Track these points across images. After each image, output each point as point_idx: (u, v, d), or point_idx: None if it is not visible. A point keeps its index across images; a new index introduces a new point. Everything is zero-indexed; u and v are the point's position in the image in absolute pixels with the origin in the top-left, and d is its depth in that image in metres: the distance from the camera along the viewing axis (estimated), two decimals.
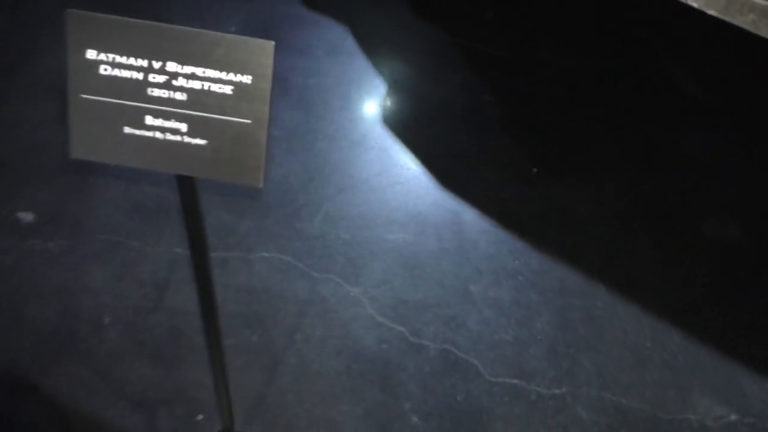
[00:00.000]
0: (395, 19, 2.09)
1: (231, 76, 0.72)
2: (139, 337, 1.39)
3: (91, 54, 0.72)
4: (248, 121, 0.73)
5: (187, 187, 0.77)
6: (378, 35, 2.06)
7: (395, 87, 1.93)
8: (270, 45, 0.70)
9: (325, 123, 1.77)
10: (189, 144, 0.75)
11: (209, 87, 0.72)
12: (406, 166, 1.77)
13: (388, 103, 1.88)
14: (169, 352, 1.38)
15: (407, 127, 1.84)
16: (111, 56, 0.72)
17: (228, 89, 0.72)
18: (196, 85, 0.72)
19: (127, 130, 0.74)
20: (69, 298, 1.43)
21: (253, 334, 1.44)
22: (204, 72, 0.72)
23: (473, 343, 1.47)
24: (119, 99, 0.73)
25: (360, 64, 2.00)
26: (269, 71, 0.71)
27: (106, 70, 0.73)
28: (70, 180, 1.66)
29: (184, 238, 1.56)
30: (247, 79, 0.72)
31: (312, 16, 2.05)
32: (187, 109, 0.73)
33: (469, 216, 1.70)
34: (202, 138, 0.74)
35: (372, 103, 1.89)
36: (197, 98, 0.72)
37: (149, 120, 0.74)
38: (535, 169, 1.75)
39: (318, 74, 1.88)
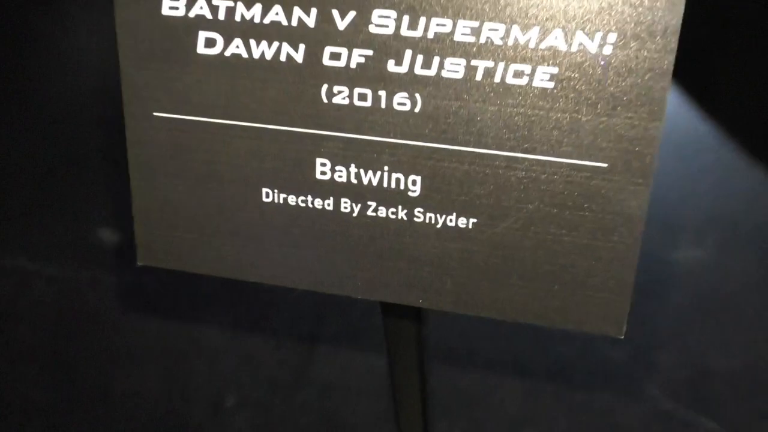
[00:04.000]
0: None
1: (555, 40, 0.30)
2: (277, 429, 1.12)
3: (173, 4, 0.33)
4: (600, 165, 0.31)
5: (405, 332, 0.38)
6: None
7: None
8: None
9: None
10: (426, 229, 0.35)
11: (490, 72, 0.31)
12: (696, 130, 1.38)
13: None
14: None
15: None
16: (223, 6, 0.32)
17: (542, 76, 0.31)
18: (451, 69, 0.32)
19: (268, 195, 0.35)
20: (176, 367, 1.18)
21: (455, 427, 1.12)
22: (475, 32, 0.31)
23: None
24: (247, 119, 0.34)
25: None
26: (677, 13, 0.28)
27: (212, 43, 0.33)
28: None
29: None
30: (603, 43, 0.30)
31: None
32: (424, 138, 0.33)
33: None
34: (465, 213, 0.34)
35: None
36: (455, 105, 0.32)
37: (323, 169, 0.34)
38: None
39: None
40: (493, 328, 1.20)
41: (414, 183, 0.33)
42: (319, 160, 0.33)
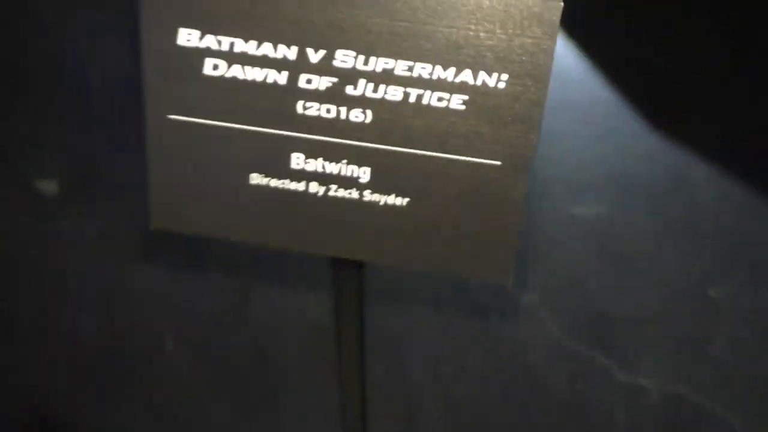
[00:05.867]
0: None
1: (465, 76, 0.46)
2: (214, 365, 1.25)
3: (186, 37, 0.47)
4: (495, 163, 0.47)
5: (350, 280, 0.53)
6: None
7: None
8: (556, 8, 0.42)
9: None
10: (372, 206, 0.50)
11: (420, 97, 0.47)
12: (600, 97, 1.46)
13: None
14: (256, 389, 1.25)
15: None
16: (226, 41, 0.47)
17: (456, 101, 0.46)
18: (392, 93, 0.47)
19: (255, 179, 0.50)
20: (114, 305, 1.28)
21: (380, 363, 1.25)
22: (410, 69, 0.46)
23: (721, 384, 1.24)
24: (241, 122, 0.49)
25: None
26: (546, 66, 0.44)
27: (216, 67, 0.48)
28: (106, 129, 1.44)
29: None
30: (498, 81, 0.45)
31: None
32: (372, 141, 0.48)
33: (702, 174, 1.39)
34: (400, 194, 0.49)
35: None
36: (395, 119, 0.47)
37: (297, 161, 0.49)
38: None
39: None
40: (418, 276, 1.29)
41: (365, 172, 0.48)
42: (294, 155, 0.49)
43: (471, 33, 0.44)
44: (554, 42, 0.43)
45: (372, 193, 0.49)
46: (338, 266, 0.52)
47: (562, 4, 0.42)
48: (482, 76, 0.45)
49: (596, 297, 1.35)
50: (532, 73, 0.44)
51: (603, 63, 1.51)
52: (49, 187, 1.37)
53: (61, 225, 1.34)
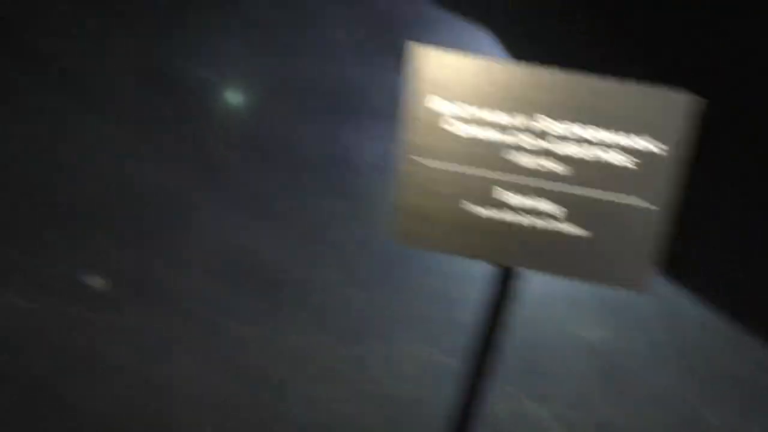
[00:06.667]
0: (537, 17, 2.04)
1: (634, 141, 0.68)
2: None
3: (434, 102, 0.69)
4: (650, 207, 0.69)
5: (509, 281, 0.73)
6: (517, 30, 2.00)
7: None
8: (688, 101, 0.66)
9: None
10: (559, 233, 0.71)
11: (602, 155, 0.69)
12: None
13: None
14: None
15: None
16: (462, 107, 0.69)
17: (629, 160, 0.69)
18: (582, 152, 0.69)
19: (471, 208, 0.71)
20: (154, 395, 1.36)
21: None
22: (596, 134, 0.68)
23: None
24: (467, 165, 0.69)
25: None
26: (685, 140, 0.67)
27: (454, 125, 0.69)
28: (147, 235, 1.58)
29: (308, 323, 1.47)
30: (656, 147, 0.68)
31: (440, 14, 2.01)
32: (565, 184, 0.69)
33: (692, 308, 1.62)
34: (582, 226, 0.70)
35: None
36: (582, 170, 0.69)
37: (505, 196, 0.70)
38: None
39: None
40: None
41: (555, 207, 0.69)
42: (503, 191, 0.69)
43: (643, 114, 0.67)
44: (691, 123, 0.66)
45: (559, 223, 0.70)
46: (501, 272, 0.72)
47: (698, 98, 0.65)
48: (648, 141, 0.68)
49: (597, 410, 1.53)
50: (678, 144, 0.67)
51: None
52: (97, 281, 1.48)
53: (108, 317, 1.43)
